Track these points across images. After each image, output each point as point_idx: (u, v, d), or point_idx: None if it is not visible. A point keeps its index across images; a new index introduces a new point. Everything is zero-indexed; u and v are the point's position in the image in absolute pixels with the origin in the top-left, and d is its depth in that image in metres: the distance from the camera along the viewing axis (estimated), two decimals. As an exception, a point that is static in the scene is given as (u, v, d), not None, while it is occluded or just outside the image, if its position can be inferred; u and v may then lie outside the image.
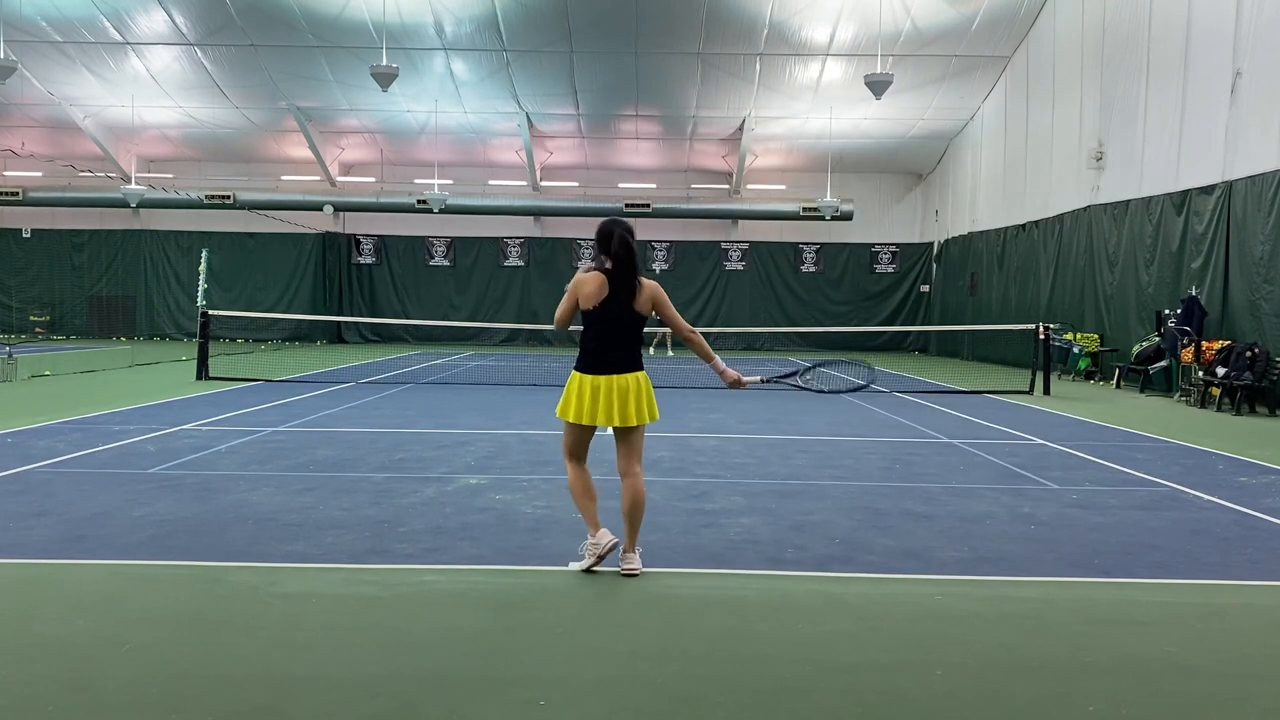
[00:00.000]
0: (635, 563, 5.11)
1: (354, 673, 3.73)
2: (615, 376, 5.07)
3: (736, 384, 5.35)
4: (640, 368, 5.17)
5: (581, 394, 5.05)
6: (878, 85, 20.95)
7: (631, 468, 5.17)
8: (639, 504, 5.11)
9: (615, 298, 5.04)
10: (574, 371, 5.15)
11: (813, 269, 31.57)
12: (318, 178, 30.69)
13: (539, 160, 29.83)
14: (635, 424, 5.10)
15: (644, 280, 5.17)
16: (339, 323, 30.83)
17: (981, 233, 26.24)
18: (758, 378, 5.63)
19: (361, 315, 30.82)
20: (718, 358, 5.38)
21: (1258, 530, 6.37)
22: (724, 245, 31.47)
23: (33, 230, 31.43)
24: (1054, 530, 6.26)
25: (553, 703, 3.48)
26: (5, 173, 30.50)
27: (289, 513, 6.40)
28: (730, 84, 25.52)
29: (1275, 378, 13.59)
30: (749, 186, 30.75)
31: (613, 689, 3.62)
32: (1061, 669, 3.89)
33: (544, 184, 30.93)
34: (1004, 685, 3.73)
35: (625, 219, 5.08)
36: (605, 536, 5.05)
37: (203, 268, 18.48)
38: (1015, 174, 24.24)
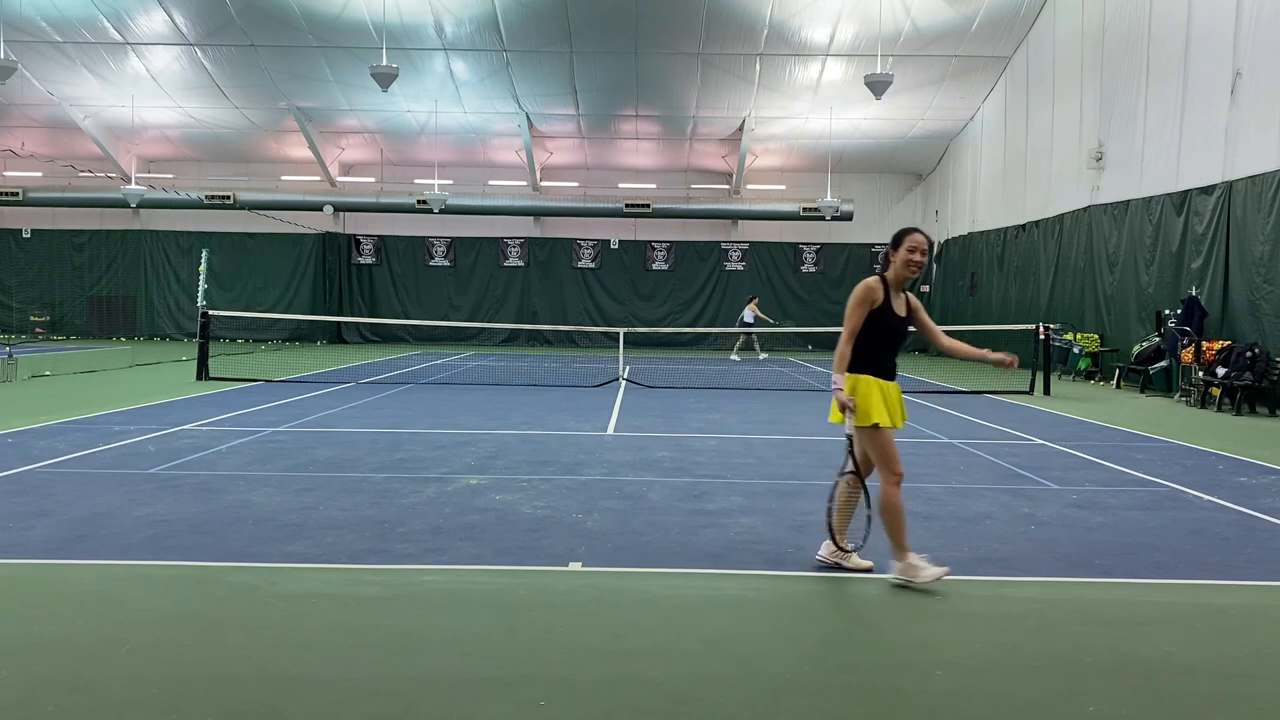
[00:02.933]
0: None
1: (354, 673, 3.73)
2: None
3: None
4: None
5: (886, 397, 5.00)
6: (878, 85, 20.95)
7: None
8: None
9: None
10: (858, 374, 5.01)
11: (813, 269, 31.57)
12: (318, 178, 30.70)
13: (539, 160, 29.83)
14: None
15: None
16: (339, 323, 30.84)
17: (981, 233, 26.24)
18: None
19: (361, 315, 30.83)
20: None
21: (1258, 530, 6.37)
22: (724, 245, 31.47)
23: (33, 230, 31.44)
24: (1054, 530, 6.26)
25: (553, 703, 3.48)
26: (5, 173, 30.50)
27: (289, 513, 6.40)
28: (730, 84, 25.52)
29: (1275, 378, 13.58)
30: (749, 186, 30.76)
31: (613, 689, 3.62)
32: (1061, 669, 3.89)
33: (544, 184, 30.93)
34: (1004, 685, 3.73)
35: (915, 230, 5.14)
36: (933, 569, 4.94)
37: (203, 268, 18.47)
38: (1015, 174, 24.24)
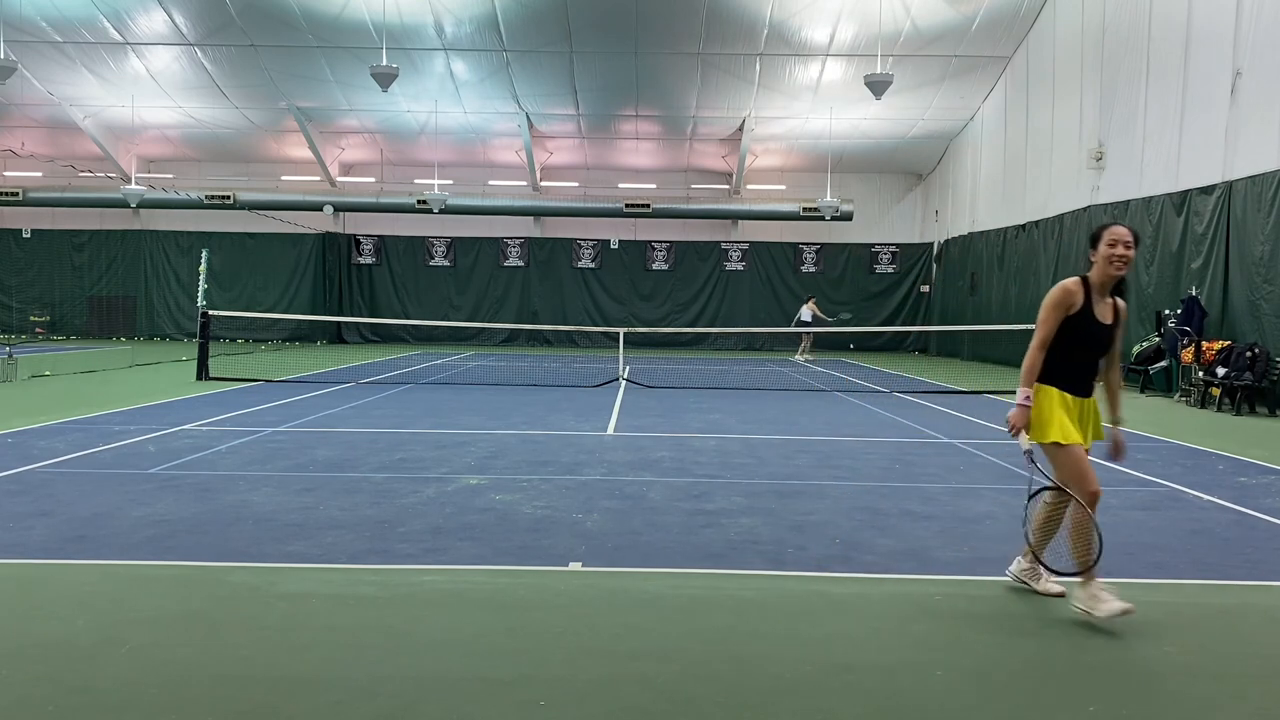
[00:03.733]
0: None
1: (354, 673, 3.73)
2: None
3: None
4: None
5: (1068, 411, 4.58)
6: (878, 85, 20.95)
7: None
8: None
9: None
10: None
11: (813, 269, 31.56)
12: (318, 178, 30.69)
13: (539, 160, 29.83)
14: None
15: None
16: (339, 323, 30.83)
17: (981, 233, 26.23)
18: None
19: (361, 315, 30.82)
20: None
21: (1258, 530, 6.37)
22: (724, 245, 31.46)
23: (33, 230, 31.42)
24: (1054, 530, 6.25)
25: (553, 703, 3.48)
26: (5, 173, 30.49)
27: (289, 513, 6.40)
28: (730, 84, 25.52)
29: (1275, 378, 13.58)
30: (749, 186, 30.75)
31: (613, 689, 3.62)
32: (1061, 669, 3.89)
33: (544, 184, 30.93)
34: (1003, 685, 3.73)
35: (1117, 225, 4.56)
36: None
37: (203, 268, 18.46)
38: (1015, 174, 24.23)
